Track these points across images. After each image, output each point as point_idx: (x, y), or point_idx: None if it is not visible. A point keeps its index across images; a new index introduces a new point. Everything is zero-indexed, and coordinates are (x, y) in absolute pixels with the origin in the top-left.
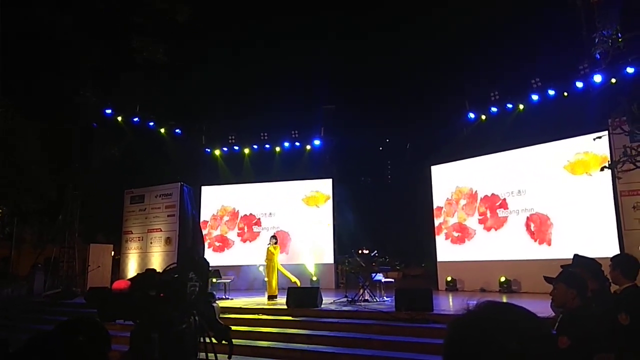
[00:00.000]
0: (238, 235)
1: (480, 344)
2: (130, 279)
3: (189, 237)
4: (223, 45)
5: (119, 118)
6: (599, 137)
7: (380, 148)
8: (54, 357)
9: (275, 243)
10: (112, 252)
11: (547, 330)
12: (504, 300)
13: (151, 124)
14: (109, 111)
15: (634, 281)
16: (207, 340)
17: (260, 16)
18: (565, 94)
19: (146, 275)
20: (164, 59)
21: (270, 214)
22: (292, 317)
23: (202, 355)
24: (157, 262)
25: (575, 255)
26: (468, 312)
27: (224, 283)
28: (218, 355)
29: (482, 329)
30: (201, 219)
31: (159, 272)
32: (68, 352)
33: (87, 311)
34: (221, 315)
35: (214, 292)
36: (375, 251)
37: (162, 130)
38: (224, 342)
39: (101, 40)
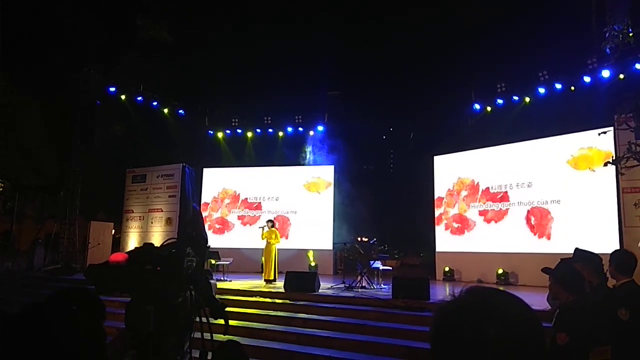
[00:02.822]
0: (238, 218)
1: (463, 330)
2: (128, 252)
3: (188, 216)
4: (228, 27)
5: (123, 96)
6: (604, 133)
7: (384, 136)
8: (47, 326)
9: (272, 227)
10: (113, 231)
11: (533, 316)
12: None
13: (155, 103)
14: (112, 89)
15: (631, 277)
16: (204, 319)
17: None
18: (573, 88)
19: (144, 248)
20: (169, 38)
21: (271, 198)
22: (289, 300)
23: (197, 334)
24: (157, 241)
25: (576, 249)
26: (453, 298)
27: (223, 265)
28: (214, 334)
29: (465, 315)
30: (202, 201)
31: (156, 247)
32: (61, 321)
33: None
34: (219, 297)
35: (212, 272)
36: (375, 239)
37: (166, 111)
38: (219, 319)
39: (106, 17)
